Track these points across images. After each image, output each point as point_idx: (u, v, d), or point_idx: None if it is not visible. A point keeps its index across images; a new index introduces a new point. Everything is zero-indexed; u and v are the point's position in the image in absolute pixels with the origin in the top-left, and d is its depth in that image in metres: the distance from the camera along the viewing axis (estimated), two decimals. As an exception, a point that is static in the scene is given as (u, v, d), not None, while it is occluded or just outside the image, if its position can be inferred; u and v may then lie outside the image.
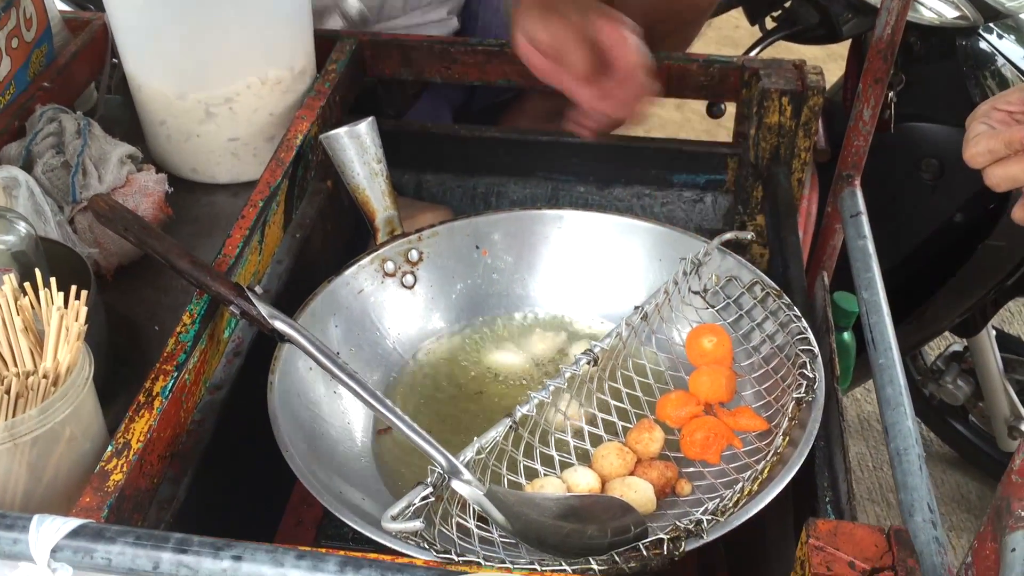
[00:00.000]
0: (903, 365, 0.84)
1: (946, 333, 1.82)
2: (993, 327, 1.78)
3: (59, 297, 0.64)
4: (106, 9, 1.02)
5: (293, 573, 0.51)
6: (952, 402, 1.93)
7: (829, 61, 2.47)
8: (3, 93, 0.99)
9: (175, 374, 0.71)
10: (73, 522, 0.55)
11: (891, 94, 1.37)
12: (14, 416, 0.60)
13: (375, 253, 0.91)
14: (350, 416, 0.82)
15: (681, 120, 2.80)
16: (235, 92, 1.00)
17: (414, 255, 0.93)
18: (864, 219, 1.02)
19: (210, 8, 0.95)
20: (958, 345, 1.92)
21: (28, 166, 0.94)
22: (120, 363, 0.83)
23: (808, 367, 0.77)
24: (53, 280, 0.65)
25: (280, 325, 0.74)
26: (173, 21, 0.96)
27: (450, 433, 0.83)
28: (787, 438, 0.73)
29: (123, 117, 1.13)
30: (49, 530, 0.54)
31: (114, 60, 1.18)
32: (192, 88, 1.00)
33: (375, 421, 0.84)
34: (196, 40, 0.97)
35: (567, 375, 0.80)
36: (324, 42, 1.10)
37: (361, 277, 0.90)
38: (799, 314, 0.82)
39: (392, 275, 0.92)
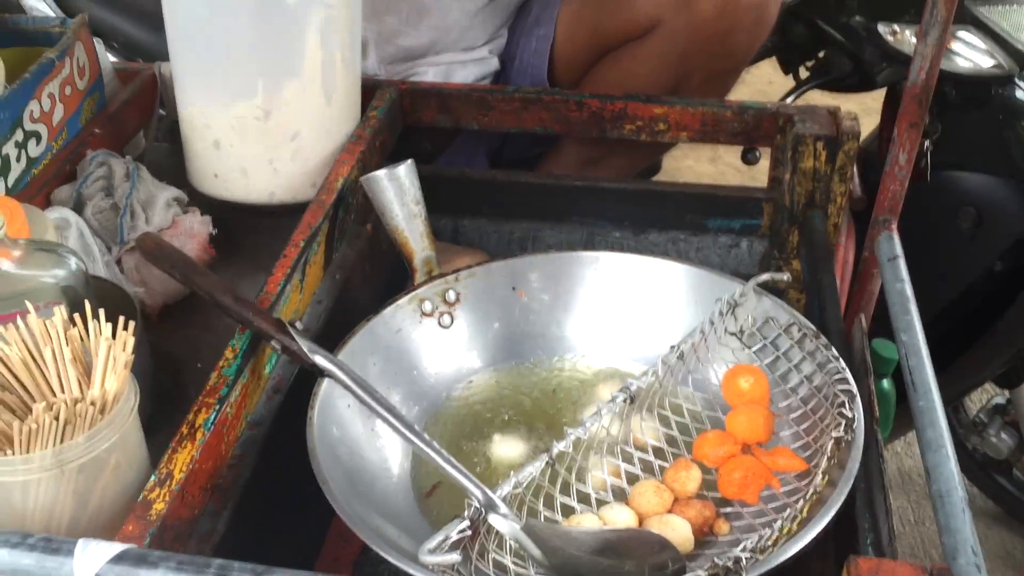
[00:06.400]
0: (944, 415, 0.83)
1: (988, 385, 1.78)
2: (1036, 378, 1.75)
3: (107, 328, 0.65)
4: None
5: (332, 598, 0.52)
6: (996, 456, 1.89)
7: (863, 115, 2.48)
8: (56, 139, 1.02)
9: (217, 407, 0.72)
10: (117, 547, 0.55)
11: (927, 143, 1.38)
12: (62, 443, 0.61)
13: (413, 293, 0.92)
14: (387, 452, 0.83)
15: (715, 173, 2.81)
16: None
17: (451, 296, 0.94)
18: (902, 263, 1.01)
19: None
20: (1001, 397, 1.89)
21: (78, 208, 0.97)
22: (163, 400, 0.85)
23: (847, 407, 0.76)
24: (102, 312, 0.66)
25: (320, 360, 0.75)
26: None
27: (486, 470, 0.83)
28: (827, 477, 0.72)
29: (169, 164, 1.16)
30: (93, 554, 0.55)
31: (161, 111, 1.22)
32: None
33: (414, 461, 0.84)
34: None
35: (604, 412, 0.80)
36: (365, 90, 1.13)
37: (399, 316, 0.91)
38: (837, 355, 0.82)
39: (430, 315, 0.93)
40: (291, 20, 1.00)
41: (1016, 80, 1.33)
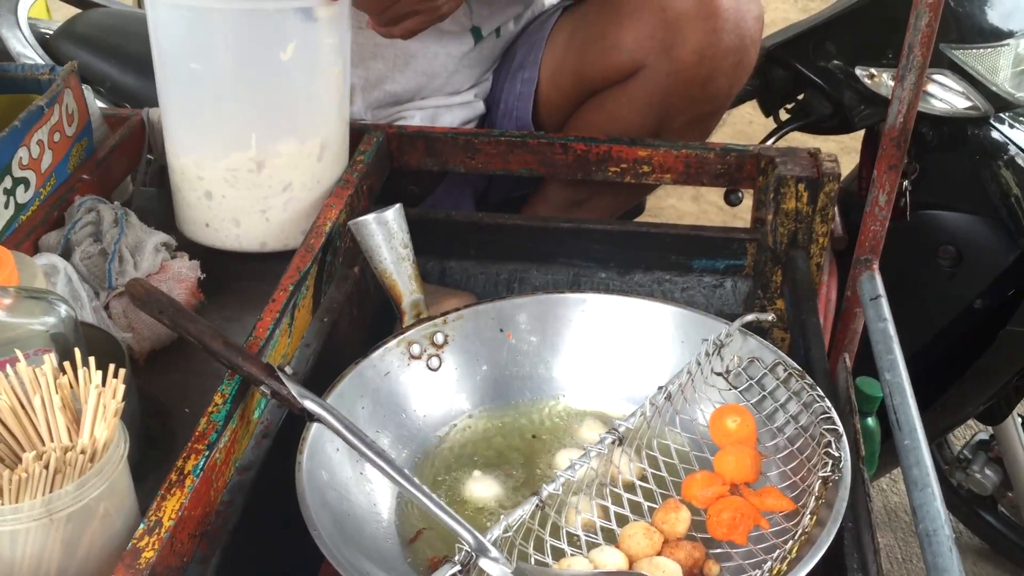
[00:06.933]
0: (929, 453, 0.83)
1: (972, 421, 1.79)
2: (1019, 415, 1.76)
3: (97, 375, 0.65)
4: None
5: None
6: (980, 492, 1.89)
7: (842, 155, 2.51)
8: (44, 185, 1.03)
9: (206, 453, 0.72)
10: (106, 596, 0.55)
11: (906, 183, 1.40)
12: (51, 492, 0.61)
13: (401, 336, 0.93)
14: (376, 497, 0.83)
15: (698, 212, 2.84)
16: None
17: (439, 338, 0.94)
18: (884, 302, 1.03)
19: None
20: (984, 433, 1.90)
21: (66, 254, 0.97)
22: (150, 445, 0.84)
23: (833, 446, 0.77)
24: (92, 359, 0.67)
25: (310, 404, 0.75)
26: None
27: (476, 513, 0.83)
28: (814, 517, 0.72)
29: (158, 209, 1.16)
30: (83, 604, 0.55)
31: (149, 156, 1.22)
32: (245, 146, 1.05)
33: (402, 504, 0.84)
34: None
35: (593, 454, 0.80)
36: (352, 134, 1.14)
37: (388, 359, 0.91)
38: (822, 394, 0.82)
39: (418, 357, 0.93)
40: (285, 75, 1.01)
41: (991, 121, 1.35)
